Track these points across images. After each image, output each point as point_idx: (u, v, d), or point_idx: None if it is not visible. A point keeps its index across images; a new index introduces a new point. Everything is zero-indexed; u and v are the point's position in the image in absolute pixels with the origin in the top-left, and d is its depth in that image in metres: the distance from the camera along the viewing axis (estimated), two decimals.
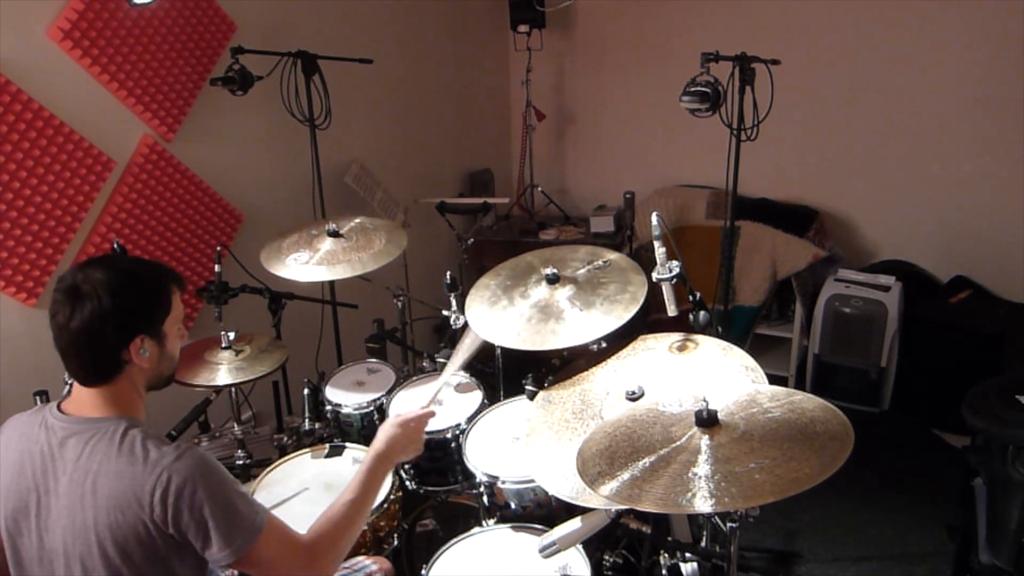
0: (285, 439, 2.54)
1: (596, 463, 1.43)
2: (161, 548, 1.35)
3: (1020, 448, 2.31)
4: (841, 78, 4.00)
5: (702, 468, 1.32)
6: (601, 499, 1.37)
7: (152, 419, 1.49)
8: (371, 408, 2.41)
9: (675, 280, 1.82)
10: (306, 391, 2.49)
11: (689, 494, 1.27)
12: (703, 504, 1.25)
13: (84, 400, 1.42)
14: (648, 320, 2.82)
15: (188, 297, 2.81)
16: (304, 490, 2.05)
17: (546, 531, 1.68)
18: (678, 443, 1.39)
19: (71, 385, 1.89)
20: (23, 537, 1.42)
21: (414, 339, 3.32)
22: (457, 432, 2.20)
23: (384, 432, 1.74)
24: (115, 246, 2.29)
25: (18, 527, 1.42)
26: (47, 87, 2.31)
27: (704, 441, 1.37)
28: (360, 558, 1.86)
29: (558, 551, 1.62)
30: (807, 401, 1.45)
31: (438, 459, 2.25)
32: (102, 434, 1.37)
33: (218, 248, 2.49)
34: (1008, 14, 3.54)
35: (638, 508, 1.31)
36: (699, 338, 1.89)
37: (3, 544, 1.46)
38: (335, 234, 2.53)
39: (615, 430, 1.52)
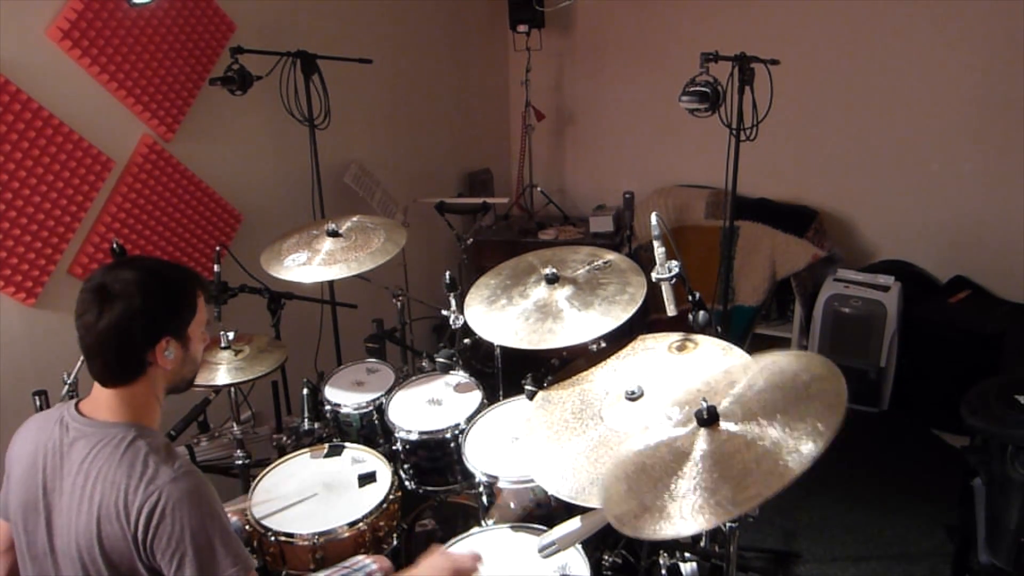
0: (284, 439, 2.54)
1: (630, 507, 1.39)
2: (142, 570, 1.34)
3: (1019, 448, 2.31)
4: (840, 78, 4.01)
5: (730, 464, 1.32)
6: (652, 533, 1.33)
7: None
8: (370, 408, 2.42)
9: (674, 280, 1.82)
10: (305, 391, 2.50)
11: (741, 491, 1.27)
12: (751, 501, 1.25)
13: (100, 402, 1.42)
14: (647, 320, 2.83)
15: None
16: (313, 495, 2.04)
17: (545, 531, 1.68)
18: (693, 453, 1.39)
19: (69, 386, 1.91)
20: (31, 533, 1.43)
21: (413, 339, 3.32)
22: (456, 432, 2.20)
23: (421, 561, 1.64)
24: (114, 246, 2.29)
25: (27, 520, 1.43)
26: (46, 87, 2.31)
27: (715, 439, 1.38)
28: (360, 557, 1.86)
29: (557, 551, 1.62)
30: (782, 359, 1.47)
31: (437, 459, 2.25)
32: (108, 440, 1.37)
33: (217, 248, 2.49)
34: (1008, 14, 3.54)
35: (711, 526, 1.29)
36: (698, 338, 1.89)
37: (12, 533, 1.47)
38: (334, 234, 2.53)
39: (627, 468, 1.50)
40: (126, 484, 1.32)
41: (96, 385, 1.43)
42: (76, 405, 1.45)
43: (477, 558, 1.70)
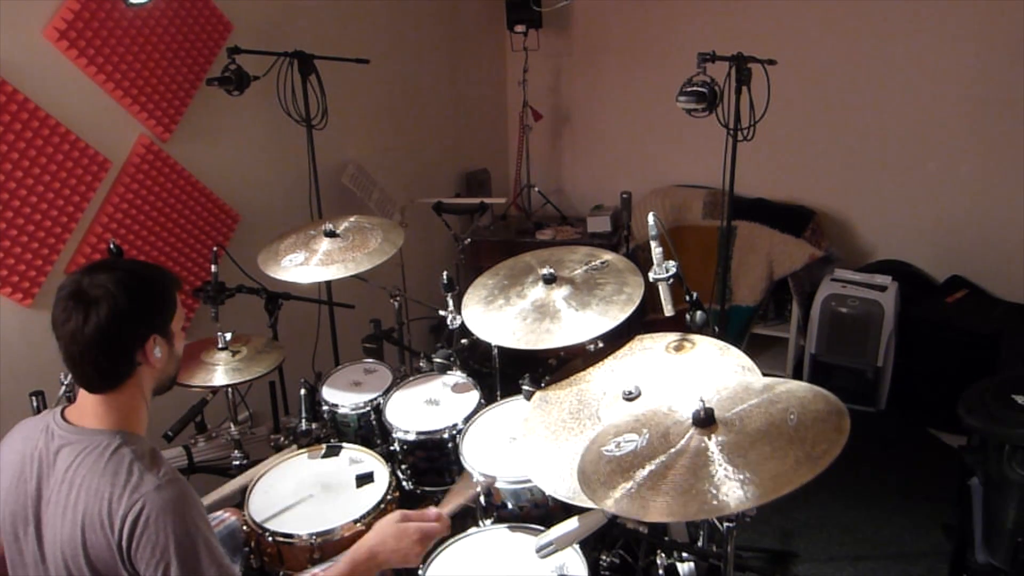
0: (282, 439, 2.53)
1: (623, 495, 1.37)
2: None
3: (1016, 447, 2.31)
4: (837, 78, 4.01)
5: (722, 467, 1.31)
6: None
7: (149, 420, 1.48)
8: (368, 408, 2.41)
9: (672, 280, 1.82)
10: (303, 391, 2.49)
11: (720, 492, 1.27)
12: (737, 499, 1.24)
13: (86, 408, 1.40)
14: (645, 320, 2.83)
15: (184, 297, 2.81)
16: (311, 496, 2.04)
17: (543, 531, 1.68)
18: (675, 448, 1.39)
19: (66, 386, 1.90)
20: (21, 542, 1.42)
21: (411, 339, 3.32)
22: (454, 432, 2.20)
23: (379, 529, 1.64)
24: (111, 246, 2.29)
25: (16, 530, 1.42)
26: (43, 87, 2.31)
27: (709, 441, 1.37)
28: None
29: (555, 551, 1.62)
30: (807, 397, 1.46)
31: (435, 459, 2.25)
32: (92, 448, 1.35)
33: (214, 248, 2.48)
34: (1006, 14, 3.55)
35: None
36: (696, 338, 1.89)
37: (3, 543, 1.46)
38: (332, 234, 2.52)
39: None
40: (110, 492, 1.30)
41: (82, 392, 1.40)
42: (62, 412, 1.43)
43: (438, 516, 1.68)
